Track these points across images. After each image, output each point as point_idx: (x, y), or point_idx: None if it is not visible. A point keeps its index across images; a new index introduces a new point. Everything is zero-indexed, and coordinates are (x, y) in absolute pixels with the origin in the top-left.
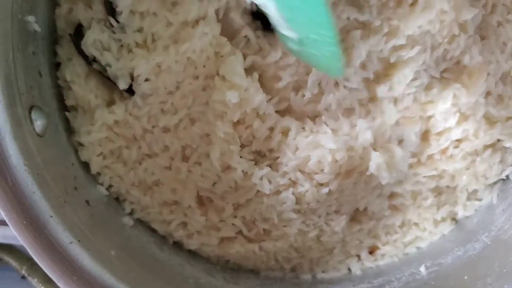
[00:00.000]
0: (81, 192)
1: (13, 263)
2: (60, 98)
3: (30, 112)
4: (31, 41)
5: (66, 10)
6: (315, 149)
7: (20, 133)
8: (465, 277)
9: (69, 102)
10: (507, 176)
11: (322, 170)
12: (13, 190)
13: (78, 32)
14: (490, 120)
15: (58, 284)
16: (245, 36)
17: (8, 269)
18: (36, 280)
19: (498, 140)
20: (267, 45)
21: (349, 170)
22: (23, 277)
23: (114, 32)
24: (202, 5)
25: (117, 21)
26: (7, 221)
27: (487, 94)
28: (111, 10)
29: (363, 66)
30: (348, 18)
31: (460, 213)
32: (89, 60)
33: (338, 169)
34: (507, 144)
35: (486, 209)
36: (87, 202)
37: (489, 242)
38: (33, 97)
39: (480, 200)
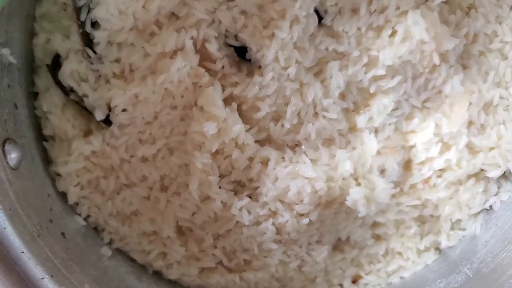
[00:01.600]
0: (57, 224)
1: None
2: (37, 128)
3: (3, 146)
4: (6, 74)
5: (44, 40)
6: (295, 179)
7: None
8: None
9: (46, 132)
10: (491, 206)
11: (301, 201)
12: None
13: (56, 62)
14: (472, 150)
15: None
16: (223, 67)
17: None
18: None
19: (481, 170)
20: (244, 76)
21: (329, 201)
22: None
23: (91, 63)
24: (179, 36)
25: (95, 52)
26: None
27: (470, 123)
28: (89, 41)
29: (342, 96)
30: (326, 49)
31: (444, 242)
32: (67, 91)
33: (318, 199)
34: (490, 174)
35: (470, 240)
36: (63, 234)
37: (471, 275)
38: (7, 131)
39: (463, 230)
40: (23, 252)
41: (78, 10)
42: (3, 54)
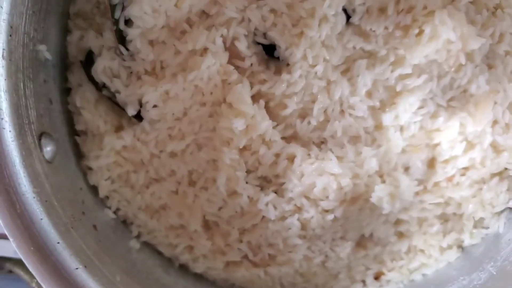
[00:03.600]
0: (89, 217)
1: (24, 276)
2: (70, 123)
3: (39, 140)
4: (42, 70)
5: (78, 37)
6: (321, 176)
7: (29, 161)
8: None
9: (79, 127)
10: None
11: (327, 197)
12: (21, 217)
13: (89, 59)
14: (497, 149)
15: None
16: (251, 65)
17: (19, 279)
18: None
19: (505, 169)
20: (272, 74)
21: (354, 197)
22: None
23: (124, 60)
24: (209, 34)
25: (127, 49)
26: (15, 247)
27: (494, 123)
28: (122, 38)
29: (369, 94)
30: (354, 48)
31: (467, 240)
32: (99, 87)
33: (343, 196)
34: None
35: (493, 238)
36: (94, 226)
37: (495, 273)
38: (43, 125)
39: (486, 228)
40: (58, 243)
41: (112, 8)
42: (39, 50)
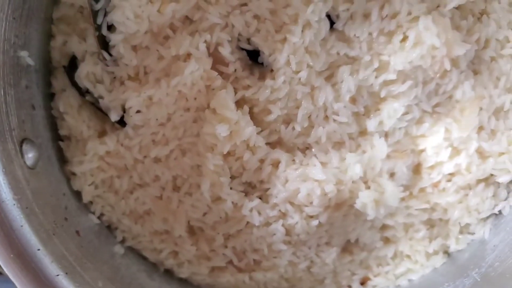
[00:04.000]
0: (72, 222)
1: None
2: (53, 128)
3: (21, 146)
4: (24, 75)
5: (61, 42)
6: (305, 181)
7: (10, 168)
8: None
9: (62, 132)
10: (500, 211)
11: (311, 203)
12: (1, 224)
13: (72, 64)
14: (482, 155)
15: None
16: (235, 70)
17: (8, 280)
18: None
19: (491, 175)
20: (256, 80)
21: (338, 203)
22: None
23: (107, 65)
24: (193, 40)
25: (110, 55)
26: None
27: (480, 129)
28: (104, 44)
29: (353, 100)
30: (338, 53)
31: (452, 246)
32: (83, 92)
33: (327, 202)
34: (500, 179)
35: (478, 244)
36: (77, 232)
37: (479, 279)
38: (24, 131)
39: (472, 234)
40: (39, 250)
41: (95, 14)
42: (21, 56)
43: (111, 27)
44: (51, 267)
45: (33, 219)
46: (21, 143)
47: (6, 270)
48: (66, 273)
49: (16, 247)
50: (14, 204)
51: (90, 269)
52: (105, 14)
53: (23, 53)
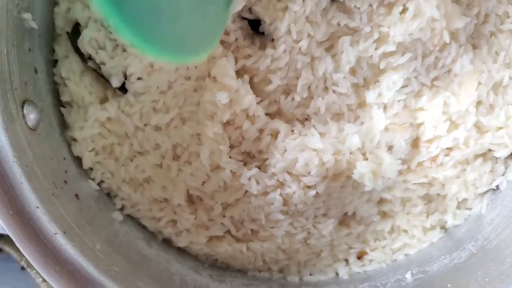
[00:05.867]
0: (71, 186)
1: (14, 254)
2: (55, 94)
3: (22, 107)
4: (27, 38)
5: (65, 9)
6: (303, 151)
7: (11, 126)
8: (449, 285)
9: (64, 98)
10: (497, 186)
11: (309, 173)
12: (1, 181)
13: (75, 31)
14: (480, 130)
15: (41, 274)
16: (236, 39)
17: (9, 259)
18: (34, 271)
19: (489, 150)
20: (257, 49)
21: (336, 174)
22: (23, 268)
23: (110, 32)
24: None
25: None
26: None
27: (478, 103)
28: None
29: (353, 71)
30: (338, 24)
31: (450, 221)
32: (85, 58)
33: (325, 172)
34: (498, 154)
35: (475, 218)
36: (77, 196)
37: (475, 252)
38: (26, 92)
39: (469, 209)
40: (37, 207)
41: None
42: (25, 18)
43: None
44: (50, 225)
45: (33, 178)
46: (22, 104)
47: (5, 226)
48: (64, 232)
49: (16, 204)
50: (14, 162)
51: (88, 232)
52: None
53: (27, 15)
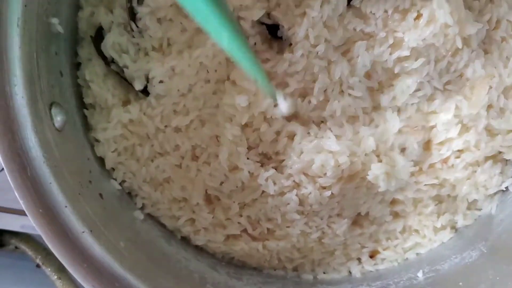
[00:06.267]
0: (95, 186)
1: (29, 252)
2: (79, 96)
3: (50, 108)
4: (54, 42)
5: (88, 13)
6: (319, 153)
7: (40, 127)
8: (460, 283)
9: (87, 100)
10: (507, 188)
11: (325, 174)
12: (31, 180)
13: (99, 35)
14: (491, 132)
15: (69, 270)
16: (255, 44)
17: (24, 258)
18: (49, 269)
19: (499, 152)
20: (275, 53)
21: (351, 175)
22: (38, 266)
23: (133, 36)
24: None
25: (137, 26)
26: (25, 209)
27: (489, 107)
28: (132, 16)
29: (368, 75)
30: (354, 29)
31: (460, 222)
32: (108, 61)
33: (340, 173)
34: (507, 156)
35: (486, 219)
36: (100, 195)
37: (485, 251)
38: (53, 95)
39: (479, 210)
40: (66, 207)
41: None
42: (52, 23)
43: (138, 0)
44: (77, 224)
45: (61, 178)
46: (50, 106)
47: (35, 225)
48: (91, 231)
49: (45, 203)
50: (44, 162)
51: (113, 230)
52: None
53: (54, 20)
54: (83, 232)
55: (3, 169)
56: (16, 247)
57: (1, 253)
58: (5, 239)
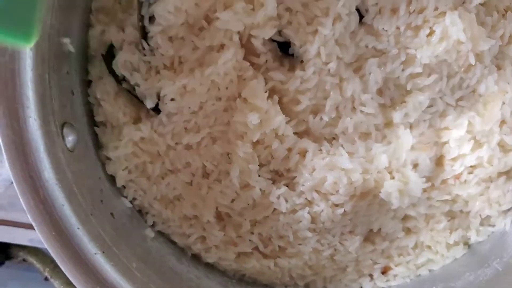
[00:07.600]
0: (107, 205)
1: (37, 264)
2: (90, 114)
3: (62, 129)
4: (65, 62)
5: (99, 31)
6: (331, 170)
7: (52, 149)
8: None
9: (98, 118)
10: None
11: (337, 191)
12: (44, 203)
13: (110, 53)
14: (504, 148)
15: None
16: (266, 61)
17: (32, 270)
18: (58, 282)
19: None
20: (286, 70)
21: (364, 192)
22: (46, 279)
23: (144, 55)
24: (227, 31)
25: (148, 44)
26: (37, 232)
27: (502, 122)
28: (143, 34)
29: (380, 92)
30: (366, 46)
31: (473, 238)
32: (119, 80)
33: (353, 191)
34: None
35: (499, 236)
36: (112, 214)
37: (500, 269)
38: (65, 115)
39: (493, 226)
40: (78, 228)
41: (140, 5)
42: (64, 43)
43: (150, 19)
44: (90, 246)
45: (73, 199)
46: (62, 126)
47: (47, 247)
48: (103, 252)
49: (58, 225)
50: (56, 184)
51: (125, 250)
52: (148, 6)
53: (66, 40)
54: (96, 253)
55: (12, 183)
56: (24, 260)
57: (9, 265)
58: (13, 252)
